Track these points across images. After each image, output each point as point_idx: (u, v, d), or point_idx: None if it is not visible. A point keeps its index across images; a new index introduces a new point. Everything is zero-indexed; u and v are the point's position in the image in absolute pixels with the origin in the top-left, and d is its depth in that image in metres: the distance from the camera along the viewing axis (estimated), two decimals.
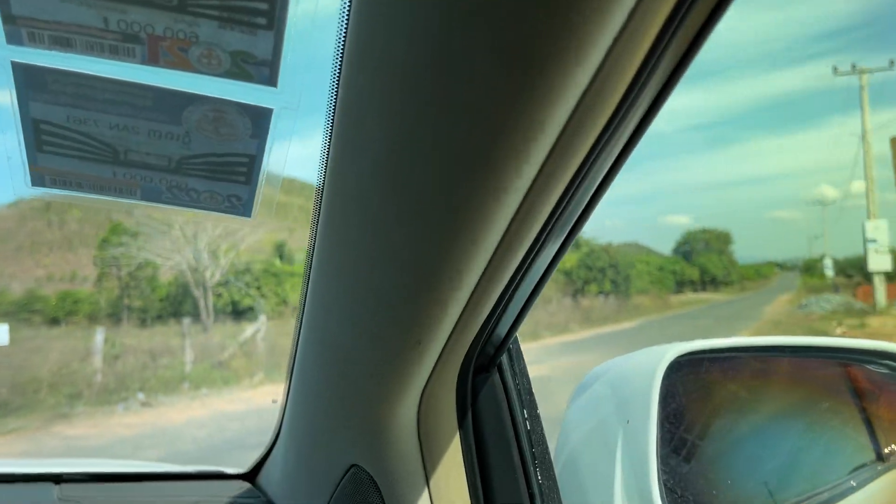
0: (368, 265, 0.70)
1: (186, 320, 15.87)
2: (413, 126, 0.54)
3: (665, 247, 53.69)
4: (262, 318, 16.64)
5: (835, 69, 23.20)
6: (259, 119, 0.67)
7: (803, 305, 28.92)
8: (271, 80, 0.63)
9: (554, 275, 0.76)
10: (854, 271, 44.81)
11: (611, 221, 51.35)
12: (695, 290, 56.51)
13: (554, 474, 0.92)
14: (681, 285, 51.86)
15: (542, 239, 0.64)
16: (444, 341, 0.76)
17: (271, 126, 0.67)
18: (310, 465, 1.09)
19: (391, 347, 0.77)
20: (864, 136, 22.63)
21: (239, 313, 23.72)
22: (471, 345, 0.82)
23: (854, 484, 1.36)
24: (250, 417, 9.36)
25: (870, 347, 1.47)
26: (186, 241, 21.63)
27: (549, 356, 15.03)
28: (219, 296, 26.53)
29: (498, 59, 0.46)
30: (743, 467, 1.30)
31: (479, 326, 0.78)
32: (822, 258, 54.23)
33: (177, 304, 23.39)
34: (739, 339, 1.79)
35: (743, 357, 1.43)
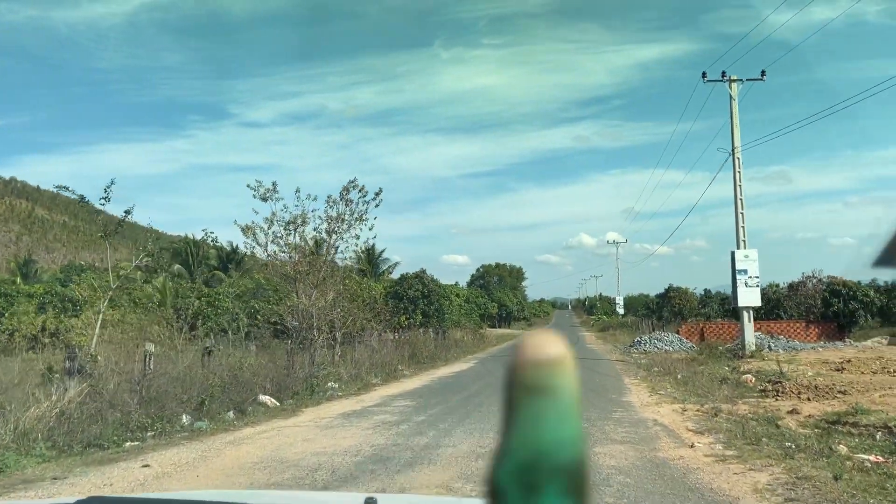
0: None
1: None
2: None
3: (448, 280, 52.38)
4: None
5: (703, 75, 21.46)
6: None
7: (635, 343, 27.26)
8: None
9: None
10: (643, 310, 45.84)
11: (394, 257, 49.02)
12: (491, 325, 55.13)
13: None
14: (481, 318, 50.04)
15: None
16: None
17: None
18: None
19: None
20: (733, 153, 20.82)
21: None
22: None
23: None
24: None
25: None
26: None
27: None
28: None
29: None
30: None
31: None
32: (613, 298, 55.79)
33: None
34: None
35: None
